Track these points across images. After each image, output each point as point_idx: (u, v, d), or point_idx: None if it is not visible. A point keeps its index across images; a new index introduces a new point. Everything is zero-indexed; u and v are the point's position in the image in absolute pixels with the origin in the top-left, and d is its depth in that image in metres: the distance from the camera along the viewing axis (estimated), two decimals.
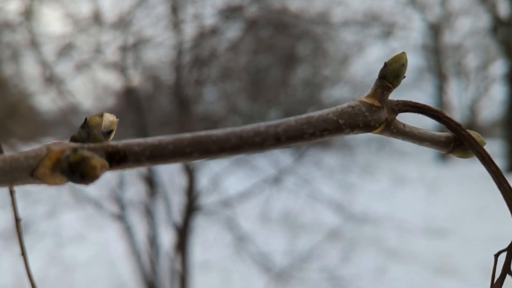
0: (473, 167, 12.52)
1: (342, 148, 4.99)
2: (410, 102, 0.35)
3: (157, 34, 4.14)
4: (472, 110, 15.83)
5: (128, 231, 4.02)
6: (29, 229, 4.12)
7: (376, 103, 0.34)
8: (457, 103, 15.57)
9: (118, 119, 0.33)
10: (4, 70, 4.74)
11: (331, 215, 4.64)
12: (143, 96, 4.35)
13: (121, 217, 4.03)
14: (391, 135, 0.35)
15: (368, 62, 6.18)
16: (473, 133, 0.36)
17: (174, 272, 4.01)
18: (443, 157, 14.85)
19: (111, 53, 4.14)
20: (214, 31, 4.07)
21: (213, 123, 4.39)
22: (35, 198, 4.03)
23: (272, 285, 4.32)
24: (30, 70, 4.41)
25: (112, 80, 4.34)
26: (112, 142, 0.29)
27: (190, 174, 4.04)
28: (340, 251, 5.05)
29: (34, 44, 3.99)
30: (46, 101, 4.53)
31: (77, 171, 0.26)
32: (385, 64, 0.36)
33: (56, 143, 0.28)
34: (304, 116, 0.32)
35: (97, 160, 0.26)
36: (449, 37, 14.68)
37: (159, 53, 4.42)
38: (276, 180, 4.38)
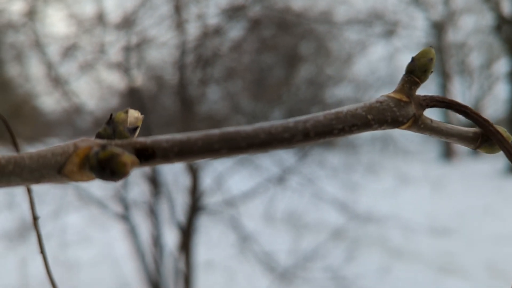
0: (478, 166, 12.53)
1: (346, 147, 4.99)
2: (438, 97, 0.35)
3: (160, 34, 4.14)
4: (476, 108, 15.76)
5: (132, 231, 4.02)
6: (34, 230, 4.13)
7: (404, 98, 0.33)
8: (461, 102, 15.50)
9: (143, 115, 0.33)
10: (8, 71, 4.74)
11: (335, 215, 4.63)
12: (146, 96, 4.35)
13: (125, 217, 4.03)
14: (418, 130, 0.34)
15: (371, 61, 6.17)
16: (500, 129, 0.35)
17: (178, 272, 4.01)
18: (447, 156, 14.84)
19: (114, 54, 4.15)
20: (217, 31, 4.07)
21: (217, 122, 4.39)
22: (40, 198, 4.04)
23: (276, 284, 4.32)
24: (34, 70, 4.42)
25: (115, 80, 4.34)
26: (139, 138, 0.28)
27: (194, 173, 4.03)
28: (344, 250, 5.05)
29: (38, 44, 4.00)
30: (50, 102, 4.54)
31: (107, 168, 0.26)
32: (413, 59, 0.35)
33: (83, 139, 0.28)
34: (333, 111, 0.32)
35: (127, 157, 0.26)
36: (453, 36, 14.67)
37: (162, 53, 4.42)
38: (280, 180, 4.37)
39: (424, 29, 13.42)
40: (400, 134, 5.32)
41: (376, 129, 0.32)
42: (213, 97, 4.77)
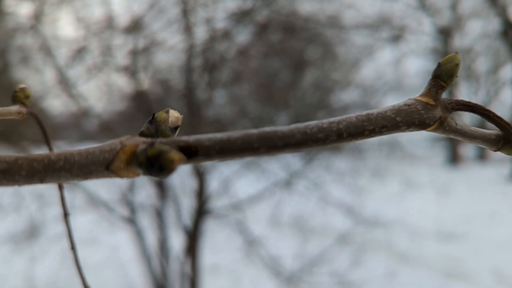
0: (484, 171, 12.51)
1: (352, 152, 4.99)
2: (463, 101, 0.36)
3: (168, 38, 4.15)
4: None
5: (139, 234, 4.03)
6: (42, 232, 4.14)
7: (431, 102, 0.35)
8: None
9: (182, 116, 0.34)
10: (16, 73, 4.76)
11: (342, 219, 4.64)
12: (153, 99, 4.35)
13: (131, 221, 4.04)
14: (444, 132, 0.35)
15: (378, 66, 6.17)
16: None
17: (184, 275, 4.01)
18: (453, 161, 14.80)
19: (122, 57, 4.16)
20: (225, 35, 4.08)
21: (223, 126, 4.40)
22: (47, 201, 4.05)
23: None
24: (41, 73, 4.43)
25: (123, 83, 4.35)
26: (183, 137, 0.29)
27: (201, 177, 4.04)
28: (350, 255, 5.05)
29: (46, 48, 4.01)
30: (57, 105, 4.55)
31: (156, 164, 0.27)
32: (439, 64, 0.36)
33: (128, 137, 0.29)
34: (364, 113, 0.32)
35: (175, 154, 0.27)
36: (459, 41, 14.64)
37: (169, 56, 4.43)
38: (287, 184, 4.37)
39: (431, 34, 13.41)
40: (406, 139, 5.32)
41: (404, 130, 0.34)
42: (220, 101, 4.78)
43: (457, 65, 0.36)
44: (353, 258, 4.94)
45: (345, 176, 4.66)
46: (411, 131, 0.35)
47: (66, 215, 0.50)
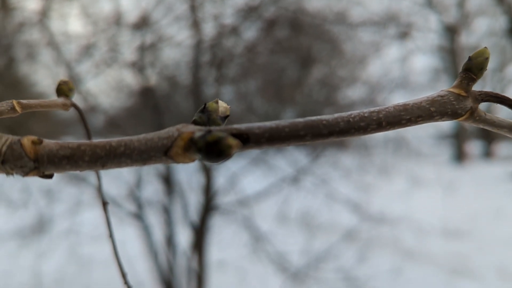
0: (489, 169, 12.49)
1: (359, 149, 4.99)
2: (491, 92, 0.38)
3: (176, 34, 4.16)
4: (488, 111, 15.67)
5: (146, 230, 4.04)
6: (49, 228, 4.16)
7: (463, 93, 0.36)
8: None
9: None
10: (23, 69, 4.76)
11: (348, 216, 4.64)
12: (160, 95, 4.36)
13: (138, 216, 4.05)
14: (473, 122, 0.37)
15: (385, 63, 6.16)
16: None
17: (191, 271, 4.02)
18: (459, 159, 14.79)
19: (129, 53, 4.17)
20: (233, 31, 4.08)
21: (230, 123, 4.40)
22: (55, 197, 4.07)
23: (288, 284, 4.33)
24: (48, 69, 4.43)
25: (130, 79, 4.36)
26: (235, 125, 0.31)
27: (208, 173, 4.04)
28: (357, 251, 5.05)
29: (53, 43, 4.01)
30: None
31: (215, 149, 0.28)
32: (470, 58, 0.38)
33: (183, 125, 0.31)
34: (401, 103, 0.34)
35: (232, 140, 0.28)
36: (466, 38, 14.64)
37: (177, 53, 4.43)
38: (294, 180, 4.38)
39: (437, 31, 13.40)
40: (413, 136, 5.31)
41: (437, 120, 0.36)
42: (227, 97, 4.78)
43: (486, 58, 0.38)
44: (359, 255, 4.95)
45: (351, 173, 4.67)
46: (444, 120, 0.36)
47: (104, 204, 0.52)
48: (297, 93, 5.11)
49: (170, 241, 4.07)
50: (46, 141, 0.32)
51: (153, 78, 4.38)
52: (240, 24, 4.14)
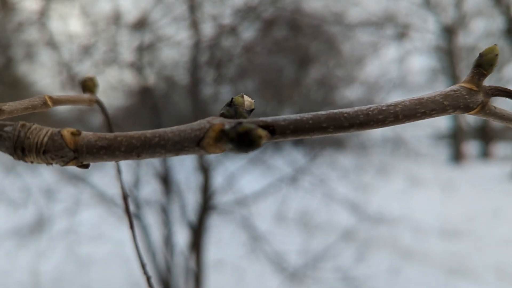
0: (487, 169, 12.51)
1: (357, 149, 5.00)
2: (501, 87, 0.39)
3: (174, 34, 4.16)
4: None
5: (144, 230, 4.04)
6: (47, 227, 4.16)
7: (474, 88, 0.38)
8: None
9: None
10: (21, 68, 4.77)
11: (346, 215, 4.65)
12: (159, 95, 4.37)
13: (137, 216, 4.05)
14: (484, 115, 0.39)
15: (383, 63, 6.17)
16: None
17: (188, 271, 4.02)
18: (456, 159, 14.82)
19: (128, 53, 4.17)
20: (231, 31, 4.08)
21: None
22: (55, 196, 4.07)
23: (286, 284, 4.33)
24: (46, 68, 4.44)
25: (129, 79, 4.37)
26: (261, 118, 0.33)
27: (206, 173, 4.05)
28: (355, 251, 5.06)
29: (52, 43, 4.02)
30: None
31: (246, 140, 0.30)
32: (481, 55, 0.39)
33: (213, 117, 0.33)
34: (416, 97, 0.36)
35: (261, 131, 0.30)
36: (463, 39, 14.67)
37: (175, 52, 4.44)
38: (292, 180, 4.39)
39: (435, 32, 13.43)
40: (411, 136, 5.32)
41: (450, 113, 0.37)
42: (225, 97, 4.78)
43: (496, 55, 0.39)
44: (357, 254, 4.96)
45: (349, 172, 4.68)
46: (457, 113, 0.38)
47: (125, 197, 0.53)
48: (295, 93, 5.12)
49: (168, 240, 4.07)
50: (84, 133, 0.34)
51: (151, 78, 4.39)
52: (239, 24, 4.14)
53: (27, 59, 4.51)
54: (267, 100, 5.13)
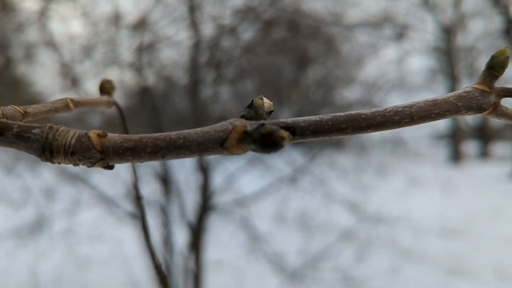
0: (486, 169, 12.53)
1: (356, 149, 5.00)
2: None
3: (174, 34, 4.17)
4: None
5: (143, 230, 4.04)
6: (47, 227, 4.16)
7: (486, 89, 0.39)
8: None
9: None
10: (21, 69, 4.77)
11: (346, 215, 4.65)
12: (158, 95, 4.37)
13: (136, 216, 4.05)
14: (496, 116, 0.40)
15: (382, 63, 6.18)
16: None
17: (188, 271, 4.03)
18: (455, 158, 14.84)
19: (127, 53, 4.17)
20: (231, 31, 4.09)
21: None
22: (54, 197, 4.07)
23: (285, 285, 4.34)
24: (45, 69, 4.44)
25: (128, 79, 4.37)
26: (282, 119, 0.34)
27: (205, 173, 4.05)
28: (354, 251, 5.07)
29: (52, 43, 4.02)
30: None
31: (269, 140, 0.31)
32: (492, 57, 0.41)
33: (235, 119, 0.34)
34: (430, 99, 0.37)
35: (284, 132, 0.31)
36: (462, 39, 14.70)
37: (175, 53, 4.44)
38: (292, 180, 4.39)
39: (433, 32, 13.45)
40: (410, 136, 5.33)
41: (463, 114, 0.39)
42: (224, 98, 4.79)
43: (507, 57, 0.41)
44: (356, 254, 4.96)
45: (349, 172, 4.68)
46: (470, 114, 0.39)
47: (139, 198, 0.54)
48: (294, 94, 5.12)
49: (167, 240, 4.07)
50: (110, 134, 0.35)
51: (151, 78, 4.39)
52: (238, 25, 4.14)
53: (26, 59, 4.51)
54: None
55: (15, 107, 0.41)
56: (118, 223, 4.39)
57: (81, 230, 4.59)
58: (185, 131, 0.33)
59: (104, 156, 0.34)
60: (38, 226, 4.12)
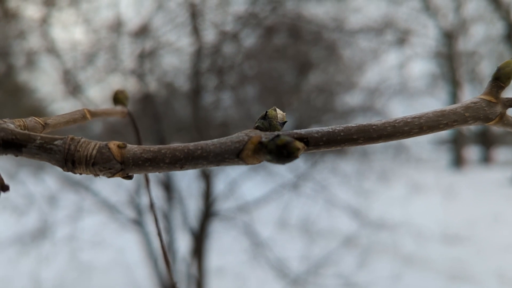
0: (488, 174, 12.52)
1: (358, 155, 5.00)
2: None
3: (176, 41, 4.17)
4: None
5: (146, 236, 4.05)
6: (49, 234, 4.16)
7: (493, 100, 0.40)
8: None
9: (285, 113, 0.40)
10: (22, 76, 4.77)
11: (348, 221, 4.65)
12: (160, 102, 4.38)
13: (138, 223, 4.06)
14: (502, 125, 0.41)
15: (383, 69, 6.18)
16: None
17: (190, 277, 4.03)
18: (457, 164, 14.83)
19: (129, 60, 4.18)
20: (233, 38, 4.09)
21: (229, 129, 4.40)
22: (57, 203, 4.08)
23: None
24: (47, 76, 4.45)
25: (130, 86, 4.37)
26: (296, 130, 0.35)
27: (207, 179, 4.06)
28: (356, 257, 5.06)
29: (53, 50, 4.03)
30: (64, 107, 4.56)
31: (284, 151, 0.32)
32: (499, 68, 0.41)
33: (250, 130, 0.35)
34: (438, 110, 0.38)
35: (299, 143, 0.32)
36: (463, 44, 14.71)
37: (176, 59, 4.45)
38: (294, 186, 4.39)
39: (435, 37, 13.46)
40: (412, 142, 5.33)
41: (471, 124, 0.39)
42: (226, 104, 4.79)
43: None
44: (358, 260, 4.96)
45: (351, 178, 4.68)
46: (477, 125, 0.40)
47: (152, 205, 0.54)
48: (295, 99, 5.12)
49: (169, 247, 4.08)
50: (129, 146, 0.36)
51: (152, 84, 4.40)
52: (240, 31, 4.15)
53: (28, 66, 4.51)
54: (268, 106, 5.13)
55: (36, 118, 0.42)
56: (120, 229, 4.39)
57: (84, 236, 4.60)
58: (203, 142, 0.35)
59: (124, 166, 0.35)
60: (41, 232, 4.12)
